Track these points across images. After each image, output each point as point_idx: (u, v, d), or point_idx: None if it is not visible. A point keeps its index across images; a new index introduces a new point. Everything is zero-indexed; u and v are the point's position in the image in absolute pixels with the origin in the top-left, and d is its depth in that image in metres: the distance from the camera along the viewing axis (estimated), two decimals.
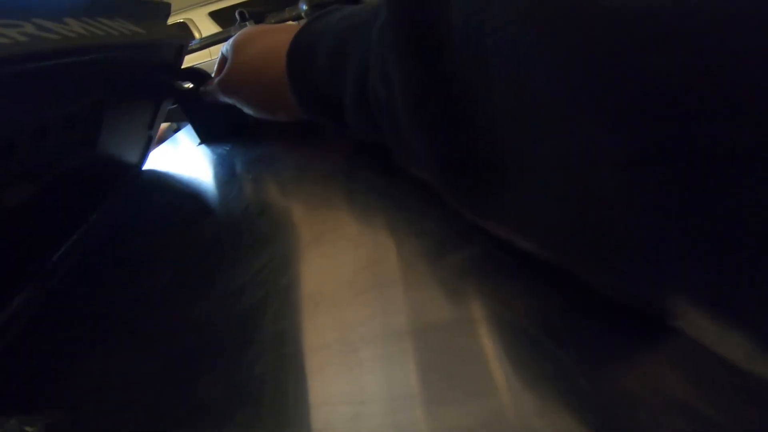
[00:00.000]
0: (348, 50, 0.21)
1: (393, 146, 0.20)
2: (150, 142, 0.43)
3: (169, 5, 0.38)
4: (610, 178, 0.09)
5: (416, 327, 0.14)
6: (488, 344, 0.13)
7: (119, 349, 0.20)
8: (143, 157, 0.44)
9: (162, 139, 0.59)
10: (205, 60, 1.32)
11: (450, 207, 0.17)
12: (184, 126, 0.62)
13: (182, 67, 0.42)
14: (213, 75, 0.37)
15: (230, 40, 0.33)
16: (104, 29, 0.25)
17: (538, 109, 0.10)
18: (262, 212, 0.26)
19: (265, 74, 0.29)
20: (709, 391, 0.10)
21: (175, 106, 0.45)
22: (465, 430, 0.11)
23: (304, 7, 0.67)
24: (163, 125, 0.67)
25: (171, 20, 0.39)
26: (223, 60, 0.34)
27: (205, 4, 2.67)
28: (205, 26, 2.57)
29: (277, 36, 0.30)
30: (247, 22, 0.81)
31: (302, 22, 0.33)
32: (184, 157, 0.45)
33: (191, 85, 0.42)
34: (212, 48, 1.25)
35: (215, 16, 2.61)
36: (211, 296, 0.20)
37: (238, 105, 0.34)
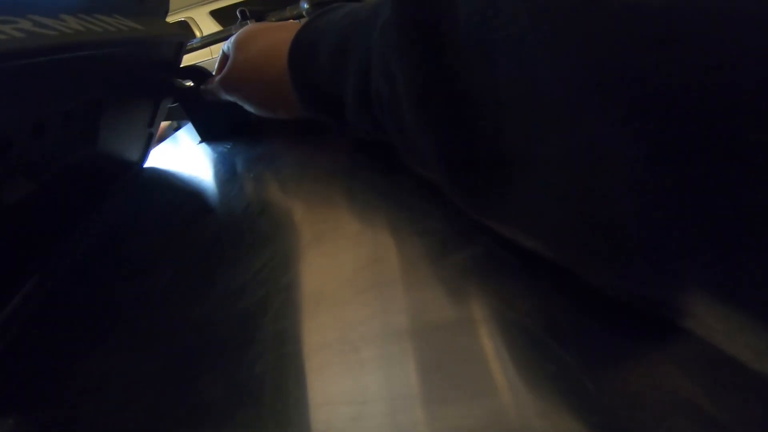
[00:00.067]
0: (350, 47, 0.20)
1: (396, 144, 0.19)
2: (150, 140, 0.43)
3: (167, 1, 0.38)
4: (620, 176, 0.09)
5: (418, 327, 0.14)
6: (490, 344, 0.12)
7: (119, 349, 0.20)
8: (144, 155, 0.44)
9: (162, 138, 0.59)
10: (206, 59, 1.32)
11: (452, 205, 0.16)
12: (185, 124, 0.62)
13: (182, 65, 0.42)
14: (214, 73, 0.37)
15: (232, 38, 0.33)
16: (101, 25, 0.25)
17: (545, 107, 0.10)
18: (262, 211, 0.26)
19: (267, 72, 0.29)
20: (713, 392, 0.10)
21: (175, 104, 0.45)
22: (467, 431, 0.11)
23: (306, 6, 0.67)
24: (164, 124, 0.67)
25: (172, 19, 0.39)
26: (224, 58, 0.34)
27: (206, 3, 2.66)
28: (205, 25, 2.57)
29: (278, 34, 0.30)
30: (248, 21, 0.81)
31: (303, 20, 0.33)
32: (184, 156, 0.45)
33: (191, 84, 0.42)
34: (213, 47, 1.24)
35: (216, 14, 2.61)
36: (211, 295, 0.20)
37: (240, 103, 0.34)
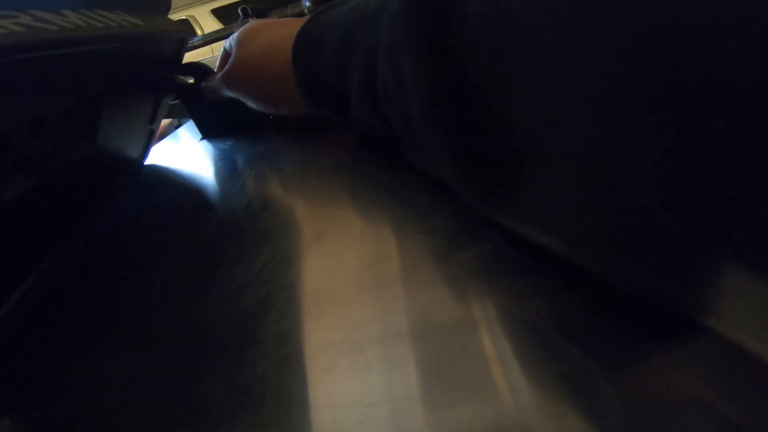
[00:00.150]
0: (355, 42, 0.20)
1: (402, 140, 0.19)
2: (151, 136, 0.42)
3: None
4: (649, 167, 0.08)
5: (424, 327, 0.14)
6: (500, 345, 0.12)
7: (119, 348, 0.20)
8: (144, 152, 0.43)
9: (163, 135, 0.59)
10: (207, 57, 1.32)
11: (459, 202, 0.16)
12: (186, 122, 0.62)
13: (184, 62, 0.42)
14: (215, 70, 0.37)
15: (234, 35, 0.33)
16: (103, 21, 0.25)
17: (565, 98, 0.09)
18: (264, 208, 0.26)
19: (269, 67, 0.29)
20: (731, 392, 0.09)
21: (176, 101, 0.45)
22: None
23: (307, 4, 0.67)
24: (165, 121, 0.67)
25: (173, 17, 0.39)
26: (226, 55, 0.34)
27: (207, 1, 2.67)
28: (207, 23, 2.57)
29: (281, 29, 0.30)
30: (249, 19, 0.81)
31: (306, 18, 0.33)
32: (185, 153, 0.45)
33: (193, 80, 0.42)
34: (214, 45, 1.24)
35: (217, 13, 2.61)
36: (211, 294, 0.20)
37: (242, 99, 0.34)
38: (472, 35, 0.12)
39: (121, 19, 0.28)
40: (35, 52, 0.20)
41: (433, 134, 0.14)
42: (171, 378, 0.16)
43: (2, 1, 0.20)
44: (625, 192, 0.09)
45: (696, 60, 0.07)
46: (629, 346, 0.11)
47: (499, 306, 0.13)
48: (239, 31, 0.33)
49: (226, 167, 0.35)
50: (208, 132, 0.46)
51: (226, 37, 0.36)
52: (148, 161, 0.45)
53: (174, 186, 0.38)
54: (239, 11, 0.81)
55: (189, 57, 0.46)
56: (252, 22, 0.32)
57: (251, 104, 0.33)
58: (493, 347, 0.12)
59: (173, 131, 0.60)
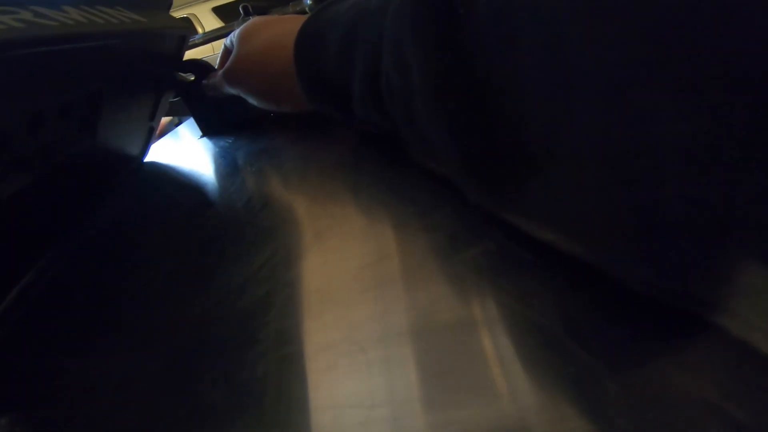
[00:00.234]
0: (358, 38, 0.20)
1: (405, 136, 0.19)
2: (151, 133, 0.42)
3: None
4: (668, 159, 0.08)
5: (426, 327, 0.13)
6: (504, 345, 0.12)
7: (117, 347, 0.20)
8: (144, 149, 0.43)
9: (163, 133, 0.58)
10: (208, 55, 1.32)
11: (462, 200, 0.16)
12: (186, 120, 0.61)
13: (184, 60, 0.42)
14: (216, 68, 0.37)
15: (236, 31, 0.33)
16: (103, 17, 0.25)
17: (579, 90, 0.09)
18: (264, 206, 0.25)
19: (271, 64, 0.29)
20: (741, 394, 0.09)
21: (177, 99, 0.45)
22: None
23: (309, 2, 0.66)
24: (165, 119, 0.67)
25: (174, 15, 0.39)
26: (227, 52, 0.34)
27: (209, 0, 2.67)
28: (208, 21, 2.57)
29: (283, 26, 0.30)
30: (250, 17, 0.81)
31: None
32: (185, 151, 0.45)
33: (193, 77, 0.41)
34: (215, 43, 1.24)
35: (218, 11, 2.61)
36: (211, 293, 0.20)
37: (243, 96, 0.33)
38: (479, 27, 0.12)
39: (122, 16, 0.27)
40: (35, 48, 0.20)
41: (439, 130, 0.14)
42: (170, 378, 0.16)
43: None
44: (642, 185, 0.09)
45: (720, 48, 0.07)
46: (636, 346, 0.11)
47: (502, 305, 0.13)
48: (240, 27, 0.32)
49: (226, 164, 0.35)
50: (208, 129, 0.46)
51: (227, 35, 0.36)
52: (147, 158, 0.45)
53: (174, 183, 0.38)
54: (240, 9, 0.81)
55: (190, 55, 0.46)
56: (254, 19, 0.32)
57: (252, 101, 0.33)
58: (497, 347, 0.12)
59: (173, 129, 0.60)
